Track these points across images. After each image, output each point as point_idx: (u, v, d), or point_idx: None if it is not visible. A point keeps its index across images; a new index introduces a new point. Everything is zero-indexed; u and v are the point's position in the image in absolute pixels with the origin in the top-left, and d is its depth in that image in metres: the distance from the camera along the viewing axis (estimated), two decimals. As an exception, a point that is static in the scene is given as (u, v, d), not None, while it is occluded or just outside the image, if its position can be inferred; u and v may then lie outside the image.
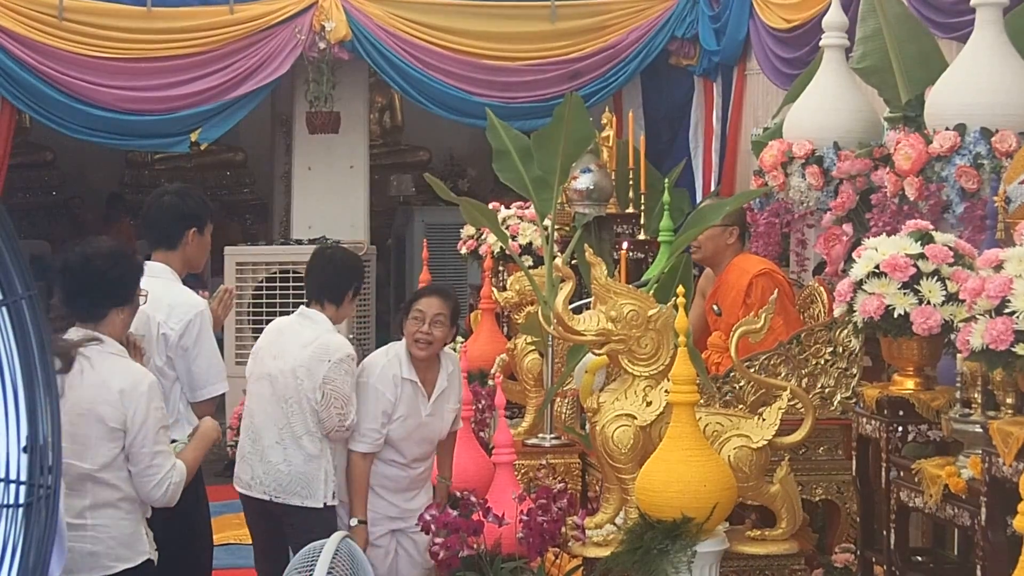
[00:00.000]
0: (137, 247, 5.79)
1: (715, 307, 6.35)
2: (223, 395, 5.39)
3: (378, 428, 5.22)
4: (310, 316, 5.34)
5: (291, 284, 10.31)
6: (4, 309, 1.73)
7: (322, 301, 5.35)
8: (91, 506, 4.16)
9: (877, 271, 4.63)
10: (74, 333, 4.25)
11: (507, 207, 8.47)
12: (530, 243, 8.25)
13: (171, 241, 5.28)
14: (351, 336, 9.17)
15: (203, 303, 5.22)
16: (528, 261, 7.80)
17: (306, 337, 5.24)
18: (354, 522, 5.20)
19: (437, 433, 5.42)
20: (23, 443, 1.73)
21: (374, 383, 5.27)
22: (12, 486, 1.70)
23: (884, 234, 5.00)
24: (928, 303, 4.55)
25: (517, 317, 6.78)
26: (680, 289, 4.55)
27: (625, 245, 7.18)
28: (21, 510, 1.70)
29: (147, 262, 5.27)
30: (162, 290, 5.05)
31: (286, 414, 5.20)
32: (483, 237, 8.51)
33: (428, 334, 5.27)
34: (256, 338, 10.19)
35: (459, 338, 7.80)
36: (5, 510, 1.69)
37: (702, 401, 4.80)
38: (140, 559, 4.27)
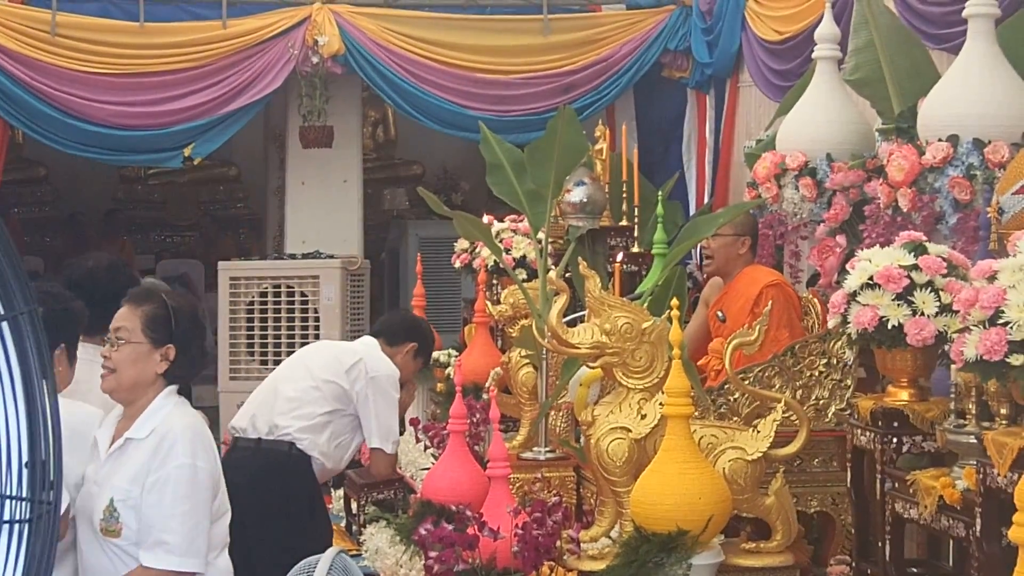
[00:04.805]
0: (134, 263, 5.82)
1: (719, 313, 6.35)
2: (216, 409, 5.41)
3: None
4: None
5: (284, 298, 10.31)
6: (4, 324, 1.73)
7: None
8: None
9: (871, 282, 4.64)
10: (83, 350, 4.23)
11: (501, 220, 8.47)
12: (524, 256, 8.25)
13: None
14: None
15: None
16: (522, 274, 7.80)
17: None
18: None
19: (95, 516, 3.75)
20: (24, 459, 1.74)
21: None
22: (14, 502, 1.71)
23: (877, 245, 5.01)
24: (922, 314, 4.56)
25: (511, 330, 6.77)
26: (674, 302, 4.54)
27: (619, 258, 7.18)
28: (24, 526, 1.70)
29: None
30: None
31: None
32: (477, 251, 8.51)
33: (106, 359, 3.84)
34: (250, 352, 10.29)
35: (453, 351, 7.82)
36: (7, 526, 1.69)
37: (697, 413, 4.80)
38: None
